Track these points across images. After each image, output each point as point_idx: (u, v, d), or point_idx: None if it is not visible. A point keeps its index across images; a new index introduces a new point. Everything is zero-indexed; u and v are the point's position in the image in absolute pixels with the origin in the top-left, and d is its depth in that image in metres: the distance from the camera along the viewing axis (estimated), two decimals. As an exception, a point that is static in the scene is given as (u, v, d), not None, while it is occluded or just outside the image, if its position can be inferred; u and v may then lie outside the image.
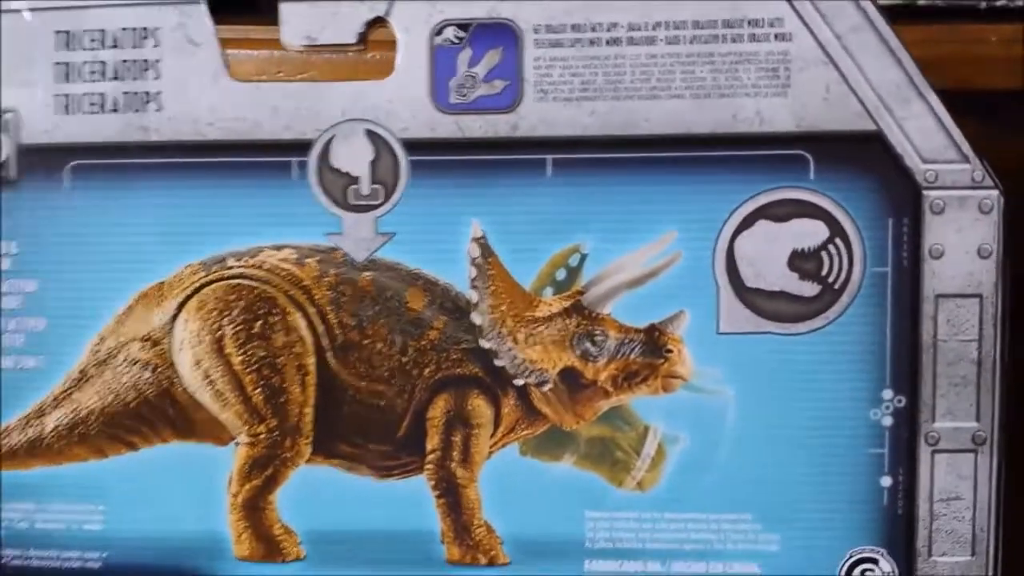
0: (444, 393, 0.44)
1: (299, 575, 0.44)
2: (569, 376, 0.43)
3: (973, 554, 0.42)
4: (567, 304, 0.43)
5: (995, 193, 0.41)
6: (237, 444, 0.44)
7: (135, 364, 0.44)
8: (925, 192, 0.41)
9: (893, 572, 0.42)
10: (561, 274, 0.43)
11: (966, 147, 0.41)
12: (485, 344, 0.43)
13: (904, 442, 0.42)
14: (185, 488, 0.44)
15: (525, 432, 0.44)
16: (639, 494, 0.43)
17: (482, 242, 0.42)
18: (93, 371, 0.44)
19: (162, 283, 0.44)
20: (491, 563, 0.44)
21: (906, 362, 0.42)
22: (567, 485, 0.43)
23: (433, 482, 0.44)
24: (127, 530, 0.45)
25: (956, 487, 0.42)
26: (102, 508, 0.45)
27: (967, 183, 0.41)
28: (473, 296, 0.43)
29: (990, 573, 0.42)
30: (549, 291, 0.43)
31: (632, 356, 0.43)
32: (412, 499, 0.44)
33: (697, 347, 0.42)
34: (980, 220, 0.41)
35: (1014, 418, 0.42)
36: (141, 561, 0.45)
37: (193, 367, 0.44)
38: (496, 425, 0.44)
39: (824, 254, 0.42)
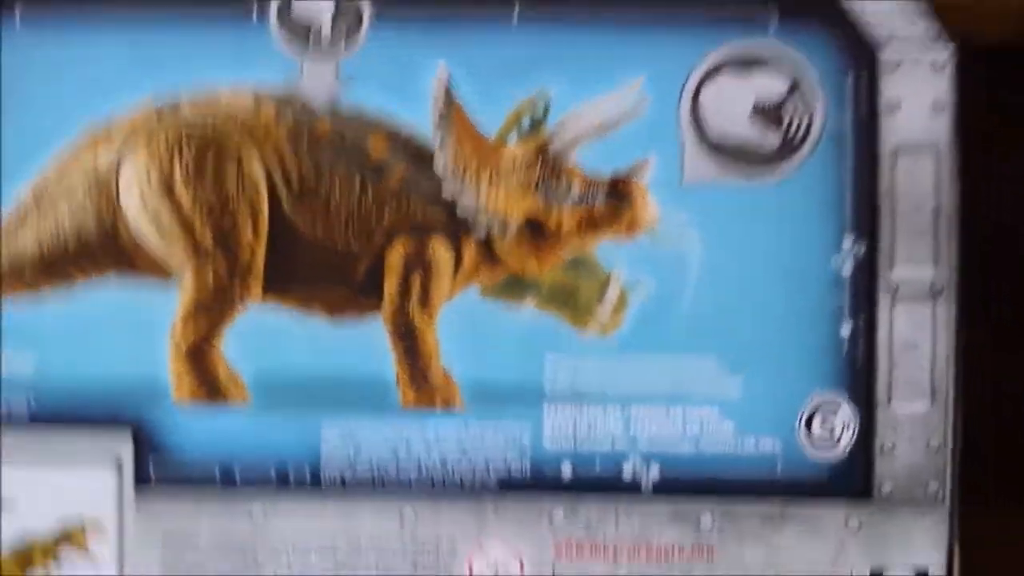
0: (404, 238, 0.42)
1: (243, 419, 0.42)
2: (532, 224, 0.43)
3: (932, 403, 0.42)
4: (532, 152, 0.43)
5: (949, 49, 0.42)
6: (182, 284, 0.42)
7: (79, 204, 0.42)
8: (882, 48, 0.42)
9: (853, 418, 0.42)
10: (526, 122, 0.43)
11: (922, 5, 0.42)
12: (447, 191, 0.42)
13: (864, 291, 0.42)
14: (124, 331, 0.42)
15: (486, 278, 0.43)
16: (601, 339, 0.42)
17: (447, 87, 0.42)
18: (35, 211, 0.42)
19: (110, 124, 0.42)
20: (447, 407, 0.42)
21: (866, 210, 0.42)
22: (528, 328, 0.42)
23: (390, 326, 0.42)
24: (60, 376, 0.42)
25: (914, 336, 0.42)
26: (33, 353, 0.42)
27: (922, 40, 0.42)
28: (436, 143, 0.42)
29: (949, 422, 0.42)
30: (514, 138, 0.42)
31: (596, 203, 0.42)
32: (367, 343, 0.43)
33: (662, 196, 0.42)
34: (935, 76, 0.42)
35: (972, 270, 0.43)
36: (74, 407, 0.42)
37: (140, 208, 0.42)
38: (456, 272, 0.43)
39: (786, 106, 0.42)
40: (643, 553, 0.43)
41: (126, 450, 0.42)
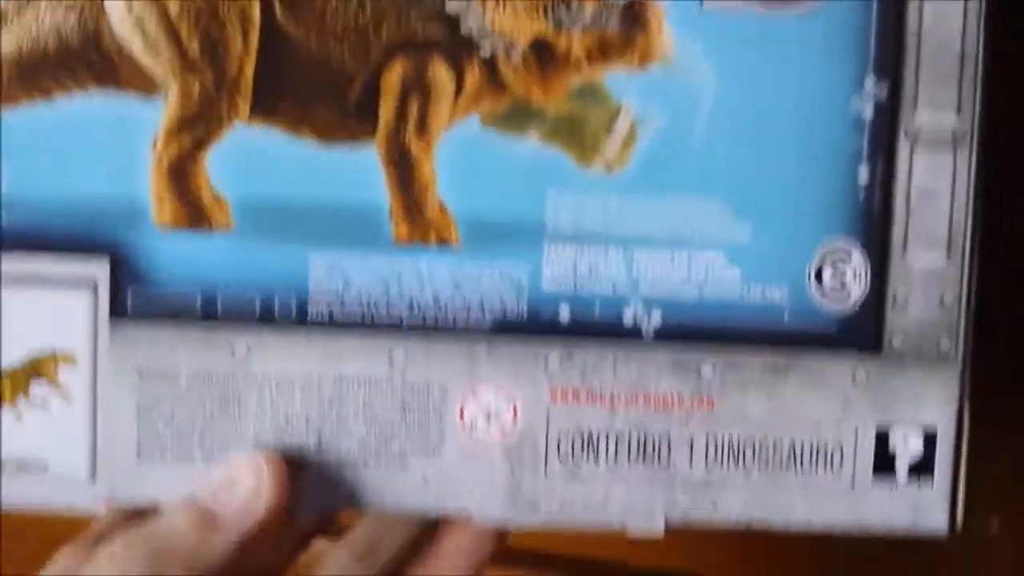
0: (402, 57, 0.40)
1: (223, 246, 0.40)
2: (540, 47, 0.40)
3: (948, 256, 0.40)
4: (540, -28, 0.40)
5: None
6: (166, 98, 0.40)
7: (59, 7, 0.39)
8: None
9: (865, 269, 0.40)
10: (535, -60, 0.40)
11: None
12: (451, 7, 0.40)
13: (883, 136, 0.40)
14: (103, 147, 0.40)
15: (488, 106, 0.40)
16: (606, 176, 0.40)
17: None
18: (12, 14, 0.39)
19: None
20: (442, 243, 0.40)
21: (891, 51, 0.40)
22: (530, 162, 0.40)
23: (384, 152, 0.40)
24: (32, 194, 0.40)
25: (934, 184, 0.40)
26: (6, 168, 0.39)
27: None
28: (439, -44, 0.40)
29: (964, 273, 0.40)
30: (521, -44, 0.40)
31: (608, 26, 0.40)
32: (360, 170, 0.40)
33: (678, 23, 0.40)
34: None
35: (994, 119, 0.41)
36: (47, 227, 0.40)
37: (125, 12, 0.39)
38: (457, 97, 0.40)
39: (812, -63, 0.40)
40: (640, 401, 0.41)
41: (102, 276, 0.40)
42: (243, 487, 0.38)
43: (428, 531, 0.43)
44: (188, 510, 0.38)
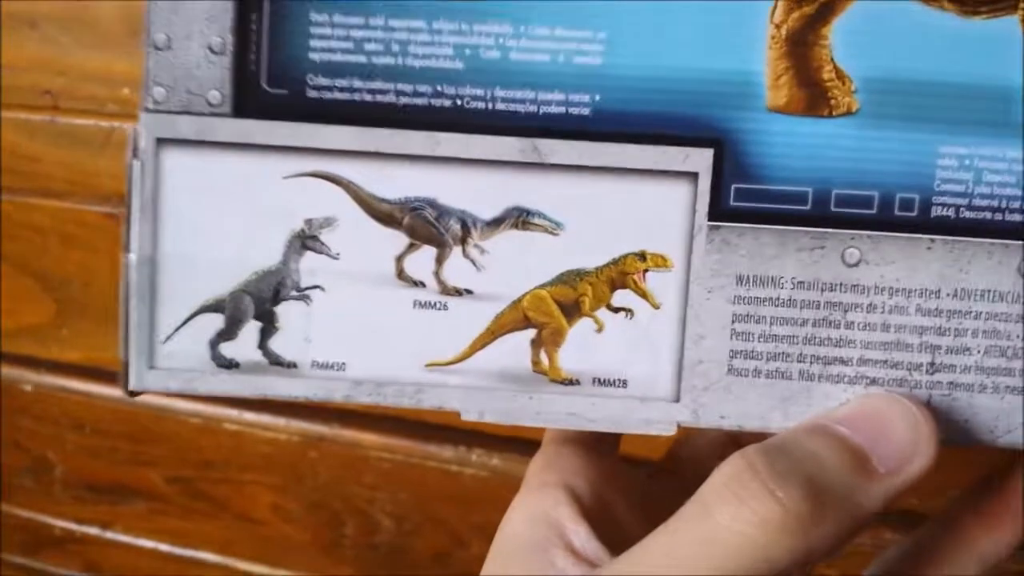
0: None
1: (843, 132, 0.34)
2: None
3: None
4: None
5: None
6: (787, -40, 0.34)
7: None
8: None
9: None
10: None
11: None
12: None
13: None
14: (711, 16, 0.34)
15: None
16: None
17: None
18: None
19: None
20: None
21: None
22: None
23: (1034, 23, 0.34)
24: (630, 66, 0.35)
25: None
26: (603, 36, 0.35)
27: None
28: None
29: None
30: None
31: None
32: (1000, 45, 0.35)
33: None
34: None
35: None
36: (641, 107, 0.35)
37: None
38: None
39: None
40: None
41: (704, 167, 0.35)
42: (900, 438, 0.33)
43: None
44: (839, 445, 0.33)
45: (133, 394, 0.36)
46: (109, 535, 0.72)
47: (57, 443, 0.70)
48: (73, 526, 0.72)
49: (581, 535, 0.33)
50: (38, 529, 0.72)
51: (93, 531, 0.72)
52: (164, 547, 0.70)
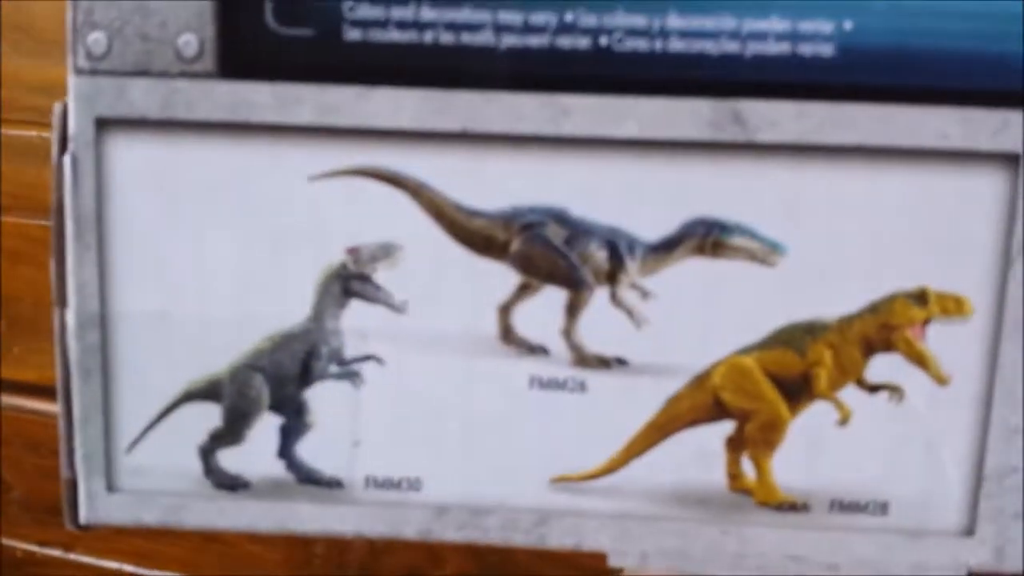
0: None
1: None
2: None
3: None
4: None
5: None
6: None
7: None
8: None
9: None
10: None
11: None
12: None
13: None
14: None
15: None
16: None
17: None
18: None
19: None
20: None
21: None
22: None
23: None
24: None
25: None
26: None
27: None
28: None
29: None
30: None
31: None
32: None
33: None
34: None
35: None
36: (922, 41, 0.20)
37: None
38: None
39: None
40: None
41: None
42: None
43: None
44: None
45: (85, 528, 0.22)
46: (72, 557, 0.70)
47: (14, 465, 0.67)
48: (35, 548, 0.69)
49: None
50: (-2, 552, 0.69)
51: (56, 553, 0.70)
52: (129, 567, 0.67)
